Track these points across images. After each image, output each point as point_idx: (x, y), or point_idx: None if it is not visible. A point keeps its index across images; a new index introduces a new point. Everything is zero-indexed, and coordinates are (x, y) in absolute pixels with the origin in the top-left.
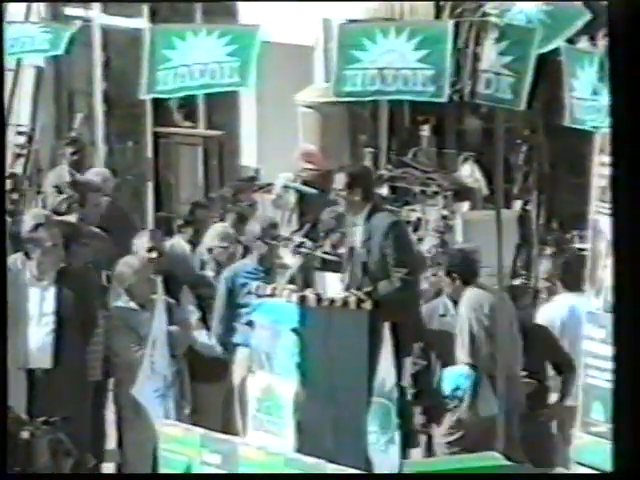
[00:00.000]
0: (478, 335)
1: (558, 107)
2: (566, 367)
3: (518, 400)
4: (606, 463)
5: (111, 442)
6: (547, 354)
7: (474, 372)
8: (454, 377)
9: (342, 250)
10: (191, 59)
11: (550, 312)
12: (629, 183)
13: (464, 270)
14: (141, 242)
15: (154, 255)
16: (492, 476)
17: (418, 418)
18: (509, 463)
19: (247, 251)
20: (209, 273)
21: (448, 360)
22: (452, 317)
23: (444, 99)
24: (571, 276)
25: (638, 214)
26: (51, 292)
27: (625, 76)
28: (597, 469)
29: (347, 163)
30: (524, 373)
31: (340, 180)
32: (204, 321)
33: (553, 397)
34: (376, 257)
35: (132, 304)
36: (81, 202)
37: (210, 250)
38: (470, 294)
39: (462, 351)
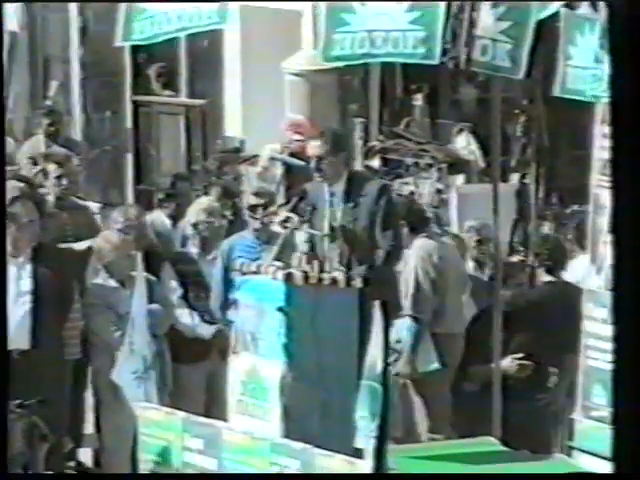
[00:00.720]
0: (423, 286)
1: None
2: (569, 348)
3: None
4: (607, 449)
5: (89, 426)
6: (547, 334)
7: (416, 325)
8: (395, 329)
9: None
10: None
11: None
12: (630, 158)
13: (412, 219)
14: (120, 217)
15: (133, 231)
16: (495, 476)
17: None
18: (505, 449)
19: (233, 225)
20: (192, 249)
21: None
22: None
23: (435, 61)
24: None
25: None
26: (27, 270)
27: (626, 46)
28: (598, 455)
29: (325, 129)
30: (520, 355)
31: (318, 146)
32: (186, 299)
33: (552, 380)
34: (363, 224)
35: (111, 281)
36: (58, 174)
37: (195, 225)
38: (419, 243)
39: (406, 302)
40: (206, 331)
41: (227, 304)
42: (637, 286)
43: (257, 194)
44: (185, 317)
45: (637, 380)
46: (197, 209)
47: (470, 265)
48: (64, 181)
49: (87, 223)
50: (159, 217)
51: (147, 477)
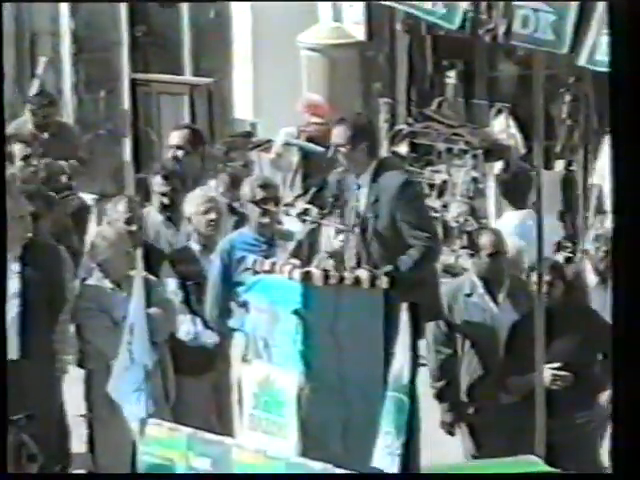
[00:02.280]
0: None
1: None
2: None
3: None
4: None
5: (81, 444)
6: (593, 341)
7: None
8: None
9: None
10: None
11: None
12: (630, 158)
13: None
14: (117, 210)
15: (133, 226)
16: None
17: (444, 416)
18: (549, 469)
19: (243, 219)
20: (193, 246)
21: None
22: (480, 297)
23: (454, 26)
24: None
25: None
26: (16, 270)
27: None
28: None
29: (349, 114)
30: (557, 364)
31: (339, 134)
32: (187, 304)
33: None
34: (385, 223)
35: (106, 282)
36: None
37: (189, 219)
38: None
39: None
40: (210, 339)
41: (227, 310)
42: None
43: (263, 186)
44: (187, 324)
45: (637, 380)
46: (192, 200)
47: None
48: (34, 161)
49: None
50: (156, 210)
51: (146, 477)
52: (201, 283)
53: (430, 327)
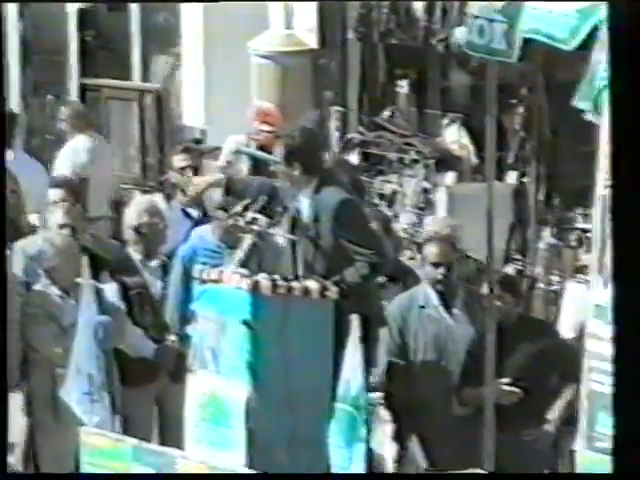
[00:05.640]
0: None
1: (560, 60)
2: (571, 375)
3: None
4: None
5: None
6: (545, 357)
7: None
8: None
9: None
10: None
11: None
12: (630, 159)
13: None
14: (60, 214)
15: (66, 231)
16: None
17: (394, 427)
18: None
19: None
20: (134, 256)
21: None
22: (434, 309)
23: None
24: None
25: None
26: None
27: (626, 46)
28: None
29: (292, 128)
30: (507, 380)
31: (276, 151)
32: (130, 315)
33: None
34: (327, 241)
35: (54, 289)
36: None
37: (137, 229)
38: None
39: None
40: (150, 350)
41: (188, 316)
42: (637, 290)
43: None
44: (129, 334)
45: (637, 381)
46: (138, 209)
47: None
48: None
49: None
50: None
51: (146, 477)
52: (143, 293)
53: (383, 338)
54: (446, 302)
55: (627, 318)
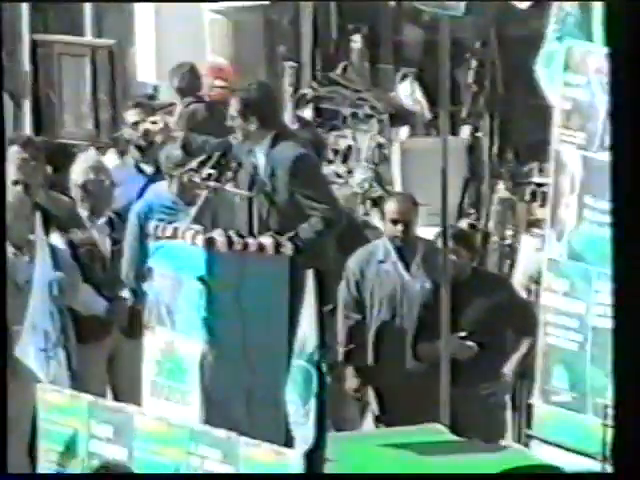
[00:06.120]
0: None
1: (513, 15)
2: (526, 329)
3: None
4: (569, 437)
5: None
6: (500, 311)
7: None
8: None
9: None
10: None
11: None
12: (630, 159)
13: None
14: (13, 169)
15: (18, 187)
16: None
17: (350, 381)
18: (456, 438)
19: (150, 182)
20: (81, 212)
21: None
22: (393, 264)
23: None
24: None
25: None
26: None
27: (626, 46)
28: (559, 445)
29: (244, 83)
30: (463, 334)
31: (232, 105)
32: (80, 272)
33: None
34: (282, 196)
35: (7, 246)
36: None
37: (83, 186)
38: None
39: None
40: (101, 307)
41: (144, 272)
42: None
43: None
44: (80, 292)
45: (637, 378)
46: (84, 167)
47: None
48: None
49: None
50: None
51: (145, 477)
52: (91, 250)
53: (340, 292)
54: (404, 258)
55: (627, 315)
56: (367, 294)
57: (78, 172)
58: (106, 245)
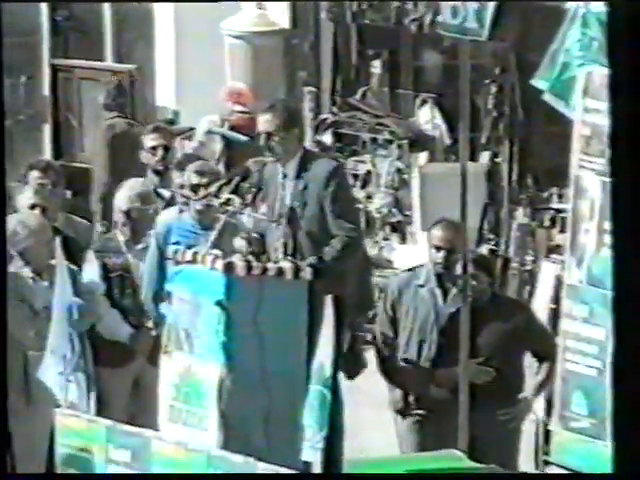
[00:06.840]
0: None
1: (534, 41)
2: (546, 355)
3: None
4: (587, 464)
5: None
6: (519, 336)
7: None
8: None
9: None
10: None
11: None
12: (630, 160)
13: None
14: (24, 197)
15: (37, 211)
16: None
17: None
18: (473, 464)
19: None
20: (119, 238)
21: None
22: (430, 290)
23: None
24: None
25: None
26: None
27: (626, 46)
28: (576, 471)
29: (275, 101)
30: (480, 359)
31: (269, 121)
32: (110, 297)
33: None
34: (312, 211)
35: (27, 271)
36: None
37: (127, 213)
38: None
39: None
40: (125, 333)
41: (162, 295)
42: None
43: (199, 172)
44: (106, 317)
45: (637, 380)
46: (130, 194)
47: None
48: None
49: None
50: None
51: (144, 477)
52: (124, 276)
53: (378, 308)
54: (443, 285)
55: (628, 318)
56: (402, 315)
57: (123, 198)
58: (139, 271)
